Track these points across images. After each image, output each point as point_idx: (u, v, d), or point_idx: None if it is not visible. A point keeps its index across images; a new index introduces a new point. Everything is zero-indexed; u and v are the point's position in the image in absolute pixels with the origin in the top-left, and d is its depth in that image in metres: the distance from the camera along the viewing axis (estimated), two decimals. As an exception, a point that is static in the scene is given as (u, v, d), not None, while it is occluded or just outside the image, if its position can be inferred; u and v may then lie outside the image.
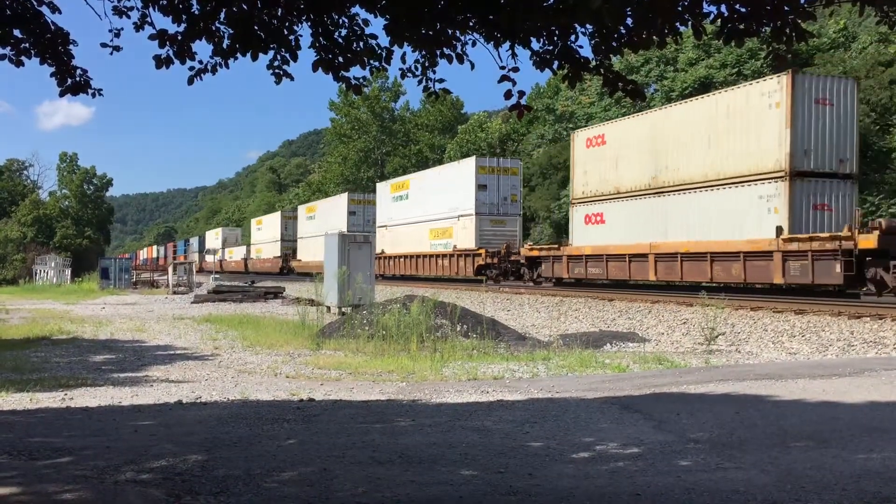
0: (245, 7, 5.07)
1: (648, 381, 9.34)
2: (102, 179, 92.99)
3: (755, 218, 19.72)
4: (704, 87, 38.98)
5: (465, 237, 32.76)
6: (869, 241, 17.01)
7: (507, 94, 4.80)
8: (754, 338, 14.76)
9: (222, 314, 23.33)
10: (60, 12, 5.58)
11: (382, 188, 43.35)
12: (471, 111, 77.82)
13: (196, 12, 5.18)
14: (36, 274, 62.85)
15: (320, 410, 7.63)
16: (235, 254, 75.09)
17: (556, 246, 28.56)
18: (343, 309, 20.89)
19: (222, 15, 5.15)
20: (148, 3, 5.30)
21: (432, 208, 35.43)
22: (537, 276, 29.22)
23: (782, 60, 5.00)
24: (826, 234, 18.07)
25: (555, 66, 4.83)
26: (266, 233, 66.57)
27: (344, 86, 5.54)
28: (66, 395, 9.31)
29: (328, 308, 21.46)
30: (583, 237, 26.59)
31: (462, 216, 33.09)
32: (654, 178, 23.28)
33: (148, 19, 5.42)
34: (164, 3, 5.19)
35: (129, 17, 5.53)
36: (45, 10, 5.53)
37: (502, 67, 4.78)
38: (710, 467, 5.10)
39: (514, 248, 31.26)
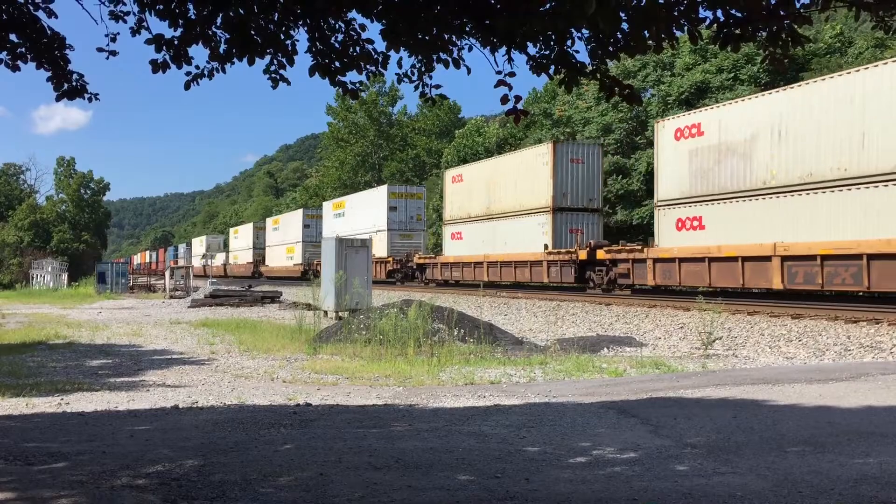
0: (241, 12, 5.06)
1: (645, 385, 9.34)
2: (100, 184, 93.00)
3: (536, 238, 28.44)
4: (701, 91, 39.04)
5: (380, 247, 40.00)
6: (583, 254, 25.72)
7: (504, 99, 4.80)
8: (751, 342, 14.77)
9: (219, 318, 23.31)
10: (57, 17, 5.57)
11: (327, 206, 51.75)
12: (468, 116, 77.92)
13: (192, 17, 5.17)
14: (32, 278, 62.80)
15: (317, 415, 7.62)
16: (217, 259, 79.44)
17: (434, 256, 37.25)
18: (340, 313, 20.87)
19: (219, 20, 5.15)
20: (144, 8, 5.29)
21: (359, 224, 43.28)
22: (424, 279, 37.41)
23: (779, 64, 5.00)
24: (564, 250, 26.90)
25: (551, 71, 4.83)
26: (241, 241, 73.03)
27: (341, 90, 5.54)
28: (62, 399, 9.29)
29: (325, 312, 21.43)
30: (450, 249, 35.44)
31: (379, 231, 40.99)
32: (488, 207, 32.28)
33: (144, 24, 5.40)
34: (161, 7, 5.18)
35: (125, 21, 5.52)
36: (41, 14, 5.52)
37: (499, 72, 4.77)
38: (706, 472, 5.09)
39: (412, 257, 39.27)
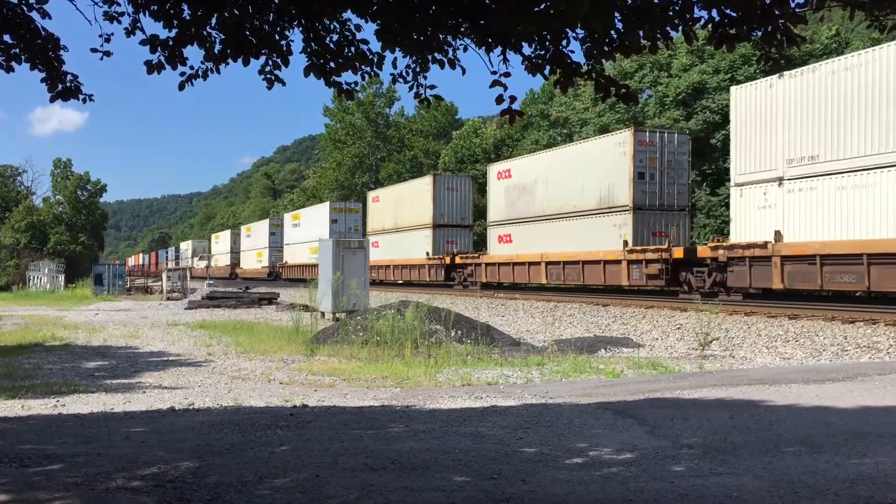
0: (236, 12, 5.05)
1: (642, 386, 9.33)
2: (96, 185, 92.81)
3: (423, 247, 36.73)
4: (698, 92, 39.03)
5: None
6: (448, 259, 34.90)
7: (499, 99, 4.79)
8: (748, 343, 14.77)
9: (216, 320, 23.28)
10: (51, 17, 5.55)
11: (287, 217, 60.56)
12: (466, 117, 77.87)
13: (187, 17, 5.16)
14: (29, 280, 62.67)
15: (313, 417, 7.61)
16: (202, 262, 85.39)
17: None
18: (337, 315, 20.86)
19: (213, 20, 5.14)
20: (139, 9, 5.27)
21: (310, 233, 50.80)
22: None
23: (775, 64, 4.99)
24: (437, 256, 35.57)
25: (546, 71, 4.82)
26: (222, 246, 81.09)
27: (336, 91, 5.53)
28: (57, 401, 9.27)
29: (322, 314, 21.41)
30: (373, 255, 42.03)
31: (323, 240, 44.52)
32: (395, 223, 40.94)
33: (139, 25, 5.40)
34: (155, 8, 5.16)
35: (119, 22, 5.50)
36: (35, 15, 5.50)
37: (494, 72, 4.77)
38: (703, 473, 5.09)
39: None
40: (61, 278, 59.64)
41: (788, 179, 18.49)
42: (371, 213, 44.92)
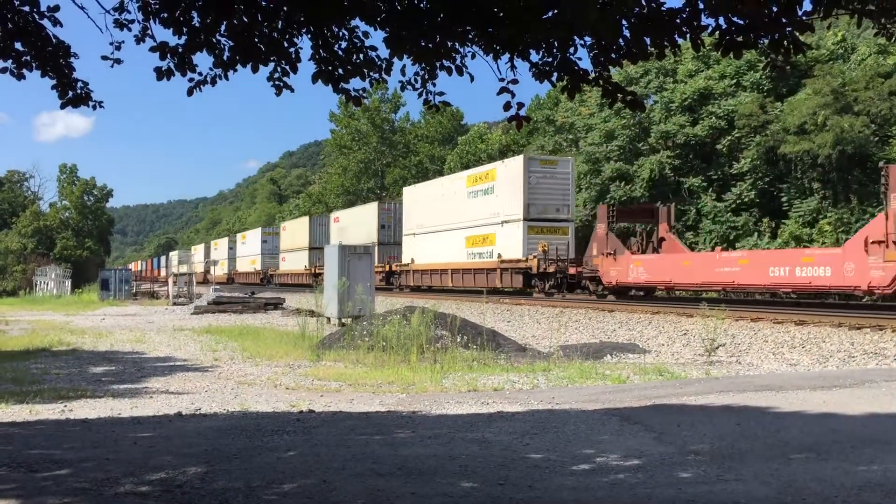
0: (245, 20, 5.08)
1: (649, 392, 9.32)
2: (102, 190, 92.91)
3: (303, 261, 53.47)
4: (704, 97, 39.03)
5: (258, 264, 66.32)
6: (314, 270, 50.57)
7: (507, 106, 4.81)
8: (755, 349, 14.74)
9: (222, 325, 23.31)
10: (62, 25, 5.59)
11: (238, 237, 79.98)
12: (471, 122, 77.96)
13: (197, 25, 5.19)
14: (36, 285, 62.83)
15: (320, 422, 7.62)
16: (185, 269, 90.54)
17: (275, 269, 61.99)
18: (343, 320, 20.87)
19: (223, 27, 5.17)
20: (149, 16, 5.32)
21: (250, 250, 70.22)
22: (273, 283, 61.48)
23: (781, 71, 5.01)
24: (309, 269, 52.13)
25: (554, 78, 4.84)
26: (198, 256, 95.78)
27: (344, 97, 5.56)
28: (65, 406, 9.29)
29: (328, 319, 21.43)
30: (281, 266, 60.99)
31: (257, 255, 67.12)
32: (291, 245, 56.75)
33: (149, 32, 5.43)
34: (165, 15, 5.20)
35: (129, 30, 5.54)
36: (46, 23, 5.54)
37: (501, 80, 4.79)
38: (710, 479, 5.08)
39: (269, 270, 64.42)
40: (68, 283, 59.75)
41: (416, 234, 39.07)
42: (282, 238, 61.96)
